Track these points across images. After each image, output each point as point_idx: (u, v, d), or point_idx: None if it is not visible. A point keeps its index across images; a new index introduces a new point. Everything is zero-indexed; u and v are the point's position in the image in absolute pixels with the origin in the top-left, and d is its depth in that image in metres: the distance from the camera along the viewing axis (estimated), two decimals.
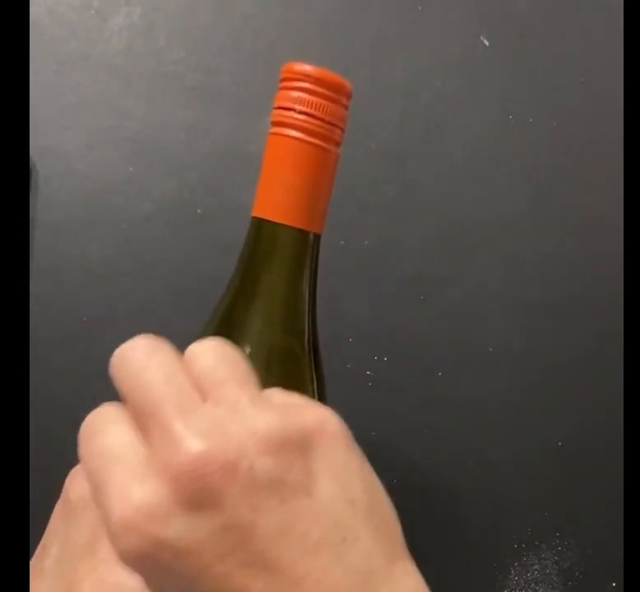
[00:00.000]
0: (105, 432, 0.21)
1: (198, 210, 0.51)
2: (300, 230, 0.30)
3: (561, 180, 0.55)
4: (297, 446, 0.21)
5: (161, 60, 0.50)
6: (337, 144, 0.30)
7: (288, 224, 0.30)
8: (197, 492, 0.20)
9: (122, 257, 0.50)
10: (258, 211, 0.30)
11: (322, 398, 0.34)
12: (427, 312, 0.54)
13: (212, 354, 0.23)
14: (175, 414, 0.21)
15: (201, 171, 0.51)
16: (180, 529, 0.20)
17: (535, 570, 0.58)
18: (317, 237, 0.32)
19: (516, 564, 0.58)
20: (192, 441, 0.20)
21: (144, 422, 0.21)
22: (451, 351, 0.55)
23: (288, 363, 0.32)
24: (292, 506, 0.21)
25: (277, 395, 0.23)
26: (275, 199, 0.30)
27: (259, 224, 0.31)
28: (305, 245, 0.31)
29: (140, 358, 0.22)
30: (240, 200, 0.51)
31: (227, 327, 0.31)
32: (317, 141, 0.29)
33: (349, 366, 0.53)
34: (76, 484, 0.26)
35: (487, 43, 0.52)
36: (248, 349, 0.30)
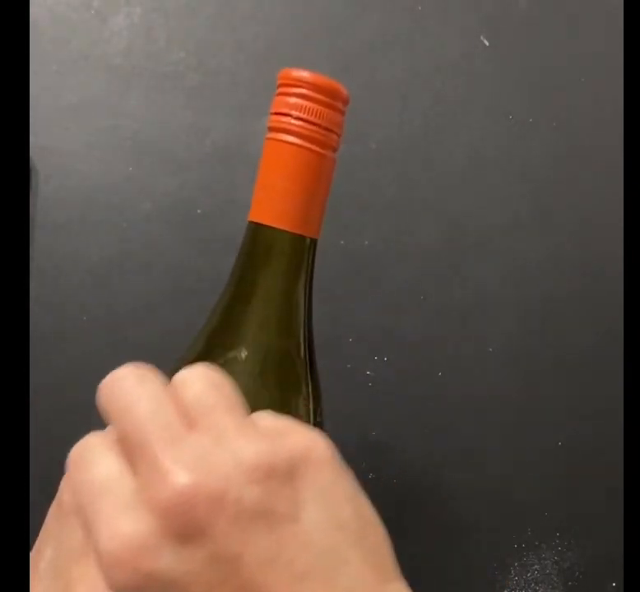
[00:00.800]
0: (93, 464, 0.21)
1: (198, 210, 0.51)
2: (297, 235, 0.30)
3: (561, 180, 0.55)
4: (284, 473, 0.21)
5: (161, 60, 0.50)
6: (334, 149, 0.30)
7: (284, 228, 0.30)
8: (185, 524, 0.20)
9: (122, 257, 0.50)
10: (255, 216, 0.30)
11: (316, 401, 0.34)
12: (427, 312, 0.54)
13: (199, 382, 0.23)
14: (162, 447, 0.21)
15: (201, 171, 0.51)
16: (169, 561, 0.20)
17: (535, 570, 0.58)
18: (314, 241, 0.32)
19: (516, 564, 0.58)
20: (178, 474, 0.20)
21: (131, 452, 0.21)
22: (451, 351, 0.55)
23: (284, 367, 0.32)
24: (279, 534, 0.21)
25: (265, 419, 0.23)
26: (272, 204, 0.30)
27: (255, 229, 0.31)
28: (302, 250, 0.31)
29: (127, 388, 0.22)
30: (240, 200, 0.51)
31: (223, 332, 0.31)
32: (313, 147, 0.29)
33: (349, 366, 0.53)
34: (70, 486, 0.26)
35: (487, 43, 0.52)
36: (243, 354, 0.30)
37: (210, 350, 0.31)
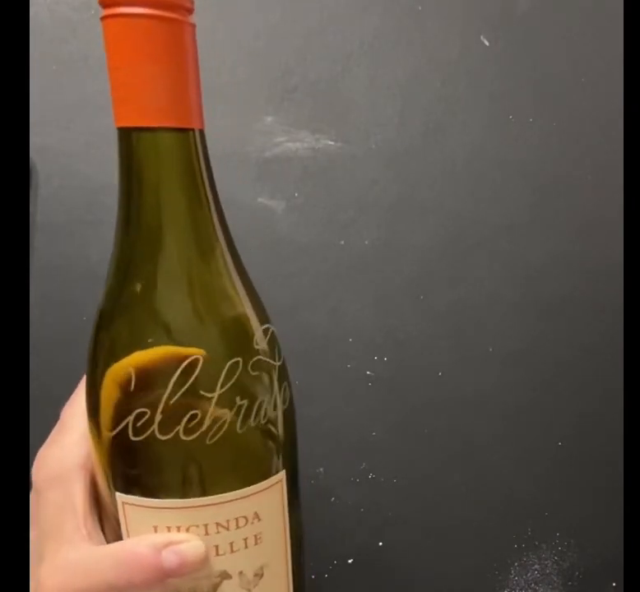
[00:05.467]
0: None
1: None
2: (181, 129, 0.26)
3: (561, 180, 0.55)
4: None
5: None
6: (189, 11, 0.25)
7: (164, 125, 0.25)
8: None
9: None
10: (123, 120, 0.25)
11: (255, 294, 0.30)
12: (427, 312, 0.54)
13: None
14: None
15: None
16: None
17: (535, 570, 0.58)
18: (201, 133, 0.27)
19: (516, 564, 0.58)
20: None
21: None
22: (451, 351, 0.55)
23: (215, 279, 0.28)
24: None
25: None
26: (138, 99, 0.24)
27: (129, 136, 0.25)
28: (191, 146, 0.27)
29: None
30: (240, 200, 0.51)
31: (137, 263, 0.27)
32: (164, 13, 0.23)
33: (349, 366, 0.53)
34: (40, 467, 0.26)
35: (487, 43, 0.52)
36: (167, 278, 0.27)
37: (124, 284, 0.28)
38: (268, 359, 0.29)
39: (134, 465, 0.27)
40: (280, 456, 0.30)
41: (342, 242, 0.52)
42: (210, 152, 0.53)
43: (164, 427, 0.26)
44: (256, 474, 0.29)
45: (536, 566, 0.58)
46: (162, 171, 0.26)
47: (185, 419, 0.26)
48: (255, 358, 0.28)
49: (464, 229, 0.54)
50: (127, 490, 0.27)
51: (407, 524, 0.55)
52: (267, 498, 0.29)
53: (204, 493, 0.27)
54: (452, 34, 0.52)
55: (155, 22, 0.23)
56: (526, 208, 0.55)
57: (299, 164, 0.51)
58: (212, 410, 0.26)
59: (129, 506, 0.27)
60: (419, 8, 0.51)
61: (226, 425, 0.27)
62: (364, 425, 0.54)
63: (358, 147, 0.51)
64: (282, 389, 0.30)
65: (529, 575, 0.58)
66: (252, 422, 0.28)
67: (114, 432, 0.27)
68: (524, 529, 0.58)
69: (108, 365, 0.27)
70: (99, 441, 0.28)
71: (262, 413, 0.28)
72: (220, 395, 0.26)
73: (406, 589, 0.56)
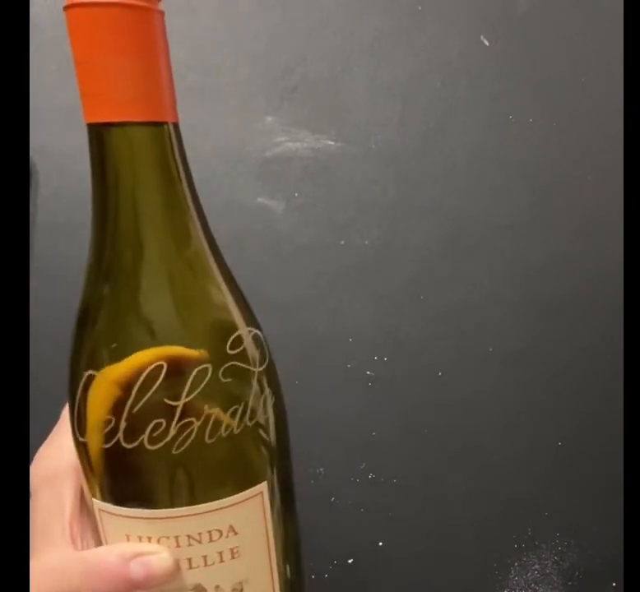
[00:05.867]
0: None
1: None
2: (154, 123, 0.24)
3: (561, 180, 0.55)
4: None
5: None
6: None
7: (135, 119, 0.23)
8: None
9: None
10: (93, 116, 0.23)
11: (237, 296, 0.29)
12: (427, 312, 0.54)
13: None
14: None
15: (201, 171, 0.51)
16: None
17: (535, 570, 0.58)
18: (176, 127, 0.26)
19: (516, 564, 0.58)
20: None
21: None
22: (451, 351, 0.55)
23: (190, 280, 0.27)
24: None
25: None
26: (107, 93, 0.23)
27: (100, 132, 0.24)
28: (165, 140, 0.25)
29: None
30: (240, 200, 0.51)
31: (115, 264, 0.25)
32: (131, 0, 0.22)
33: (349, 366, 0.53)
34: (37, 467, 0.26)
35: (487, 43, 0.52)
36: (145, 281, 0.25)
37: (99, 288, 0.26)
38: (245, 365, 0.27)
39: (105, 473, 0.26)
40: (262, 467, 0.28)
41: (342, 242, 0.52)
42: (210, 152, 0.53)
43: (129, 435, 0.25)
44: (229, 486, 0.27)
45: (536, 566, 0.58)
46: (136, 168, 0.24)
47: (149, 428, 0.25)
48: (228, 364, 0.26)
49: (464, 229, 0.54)
50: (102, 497, 0.27)
51: (407, 525, 0.55)
52: (244, 512, 0.27)
53: (172, 505, 0.26)
54: (452, 34, 0.52)
55: (121, 10, 0.22)
56: (526, 208, 0.55)
57: (299, 164, 0.51)
58: (178, 419, 0.25)
59: (104, 513, 0.27)
60: (419, 8, 0.51)
61: (194, 435, 0.25)
62: (364, 425, 0.54)
63: (358, 147, 0.51)
64: (264, 396, 0.28)
65: (529, 575, 0.58)
66: (223, 432, 0.26)
67: (84, 439, 0.26)
68: (524, 529, 0.58)
69: (79, 371, 0.27)
70: (77, 447, 0.27)
71: (236, 422, 0.26)
72: (186, 404, 0.25)
73: (406, 589, 0.56)
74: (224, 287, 0.28)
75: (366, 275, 0.53)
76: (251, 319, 0.29)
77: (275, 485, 0.29)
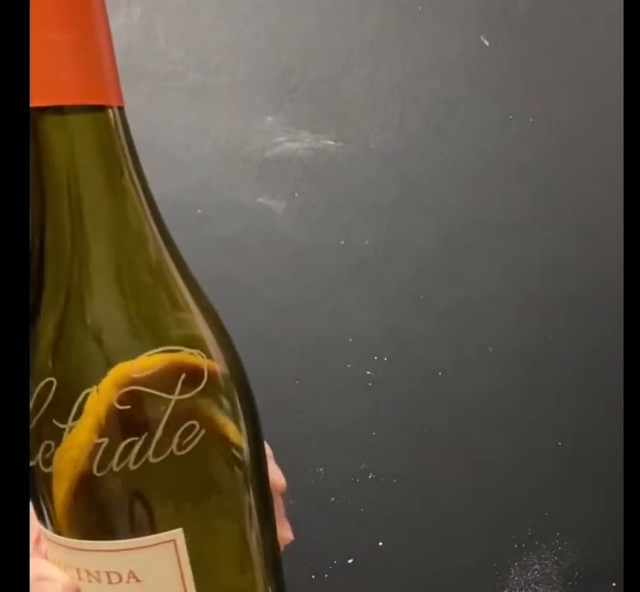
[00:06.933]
0: None
1: (198, 210, 0.51)
2: (95, 108, 0.22)
3: (561, 180, 0.55)
4: None
5: (161, 60, 0.50)
6: None
7: (74, 102, 0.21)
8: None
9: None
10: (36, 99, 0.21)
11: (202, 302, 0.25)
12: (427, 312, 0.54)
13: None
14: None
15: (201, 171, 0.51)
16: None
17: (535, 570, 0.58)
18: (121, 111, 0.23)
19: (516, 564, 0.58)
20: None
21: None
22: (451, 351, 0.55)
23: (149, 280, 0.24)
24: None
25: None
26: (41, 74, 0.20)
27: (36, 118, 0.21)
28: (110, 127, 0.22)
29: None
30: (240, 200, 0.51)
31: (67, 273, 0.23)
32: None
33: (349, 366, 0.53)
34: None
35: (487, 43, 0.52)
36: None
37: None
38: (154, 391, 0.22)
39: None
40: (176, 512, 0.24)
41: (342, 242, 0.52)
42: (210, 151, 0.53)
43: (32, 452, 0.23)
44: (127, 526, 0.23)
45: (536, 566, 0.58)
46: (76, 158, 0.22)
47: (42, 448, 0.22)
48: (128, 389, 0.22)
49: (464, 229, 0.54)
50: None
51: (407, 524, 0.55)
52: (148, 559, 0.23)
53: (69, 534, 0.23)
54: (452, 34, 0.52)
55: None
56: (526, 208, 0.55)
57: (299, 164, 0.51)
58: (64, 443, 0.22)
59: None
60: (419, 8, 0.51)
61: (80, 464, 0.22)
62: (364, 425, 0.54)
63: (358, 147, 0.51)
64: (181, 429, 0.23)
65: (529, 575, 0.58)
66: (115, 466, 0.22)
67: None
68: (524, 529, 0.58)
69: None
70: None
71: (133, 456, 0.22)
72: (72, 428, 0.22)
73: (406, 589, 0.56)
74: (175, 292, 0.24)
75: (366, 275, 0.53)
76: (193, 335, 0.24)
77: (201, 532, 0.24)
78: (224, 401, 0.25)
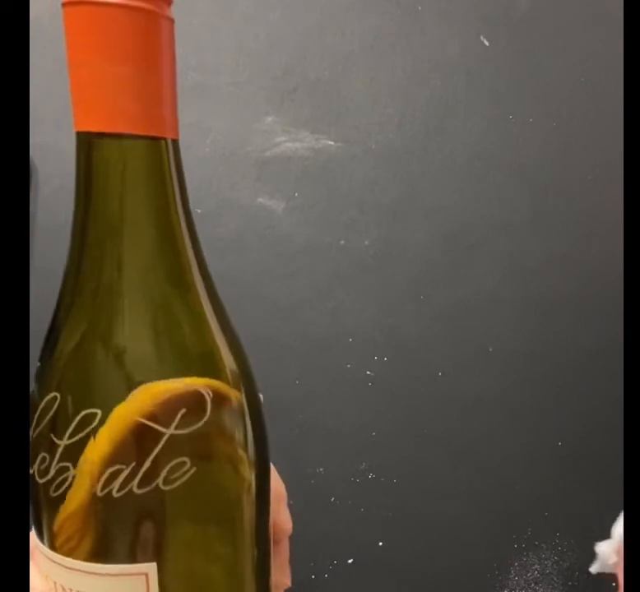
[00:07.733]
0: None
1: (198, 210, 0.51)
2: (151, 138, 0.22)
3: (561, 180, 0.55)
4: None
5: None
6: (168, 3, 0.21)
7: (132, 132, 0.21)
8: None
9: None
10: (85, 124, 0.21)
11: (226, 329, 0.25)
12: (427, 312, 0.54)
13: None
14: None
15: (201, 171, 0.51)
16: None
17: (535, 570, 0.58)
18: (175, 144, 0.23)
19: (516, 564, 0.58)
20: None
21: None
22: (451, 351, 0.55)
23: (180, 313, 0.24)
24: None
25: None
26: (103, 101, 0.21)
27: (91, 142, 0.22)
28: (162, 157, 0.23)
29: None
30: (240, 200, 0.51)
31: (100, 294, 0.23)
32: (137, 3, 0.20)
33: (349, 366, 0.53)
34: None
35: (487, 43, 0.52)
36: (129, 318, 0.23)
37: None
38: (149, 423, 0.22)
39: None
40: (152, 545, 0.23)
41: (342, 242, 0.52)
42: (210, 151, 0.53)
43: (31, 461, 0.23)
44: (102, 551, 0.23)
45: (536, 566, 0.58)
46: (127, 185, 0.22)
47: (38, 459, 0.22)
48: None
49: (464, 229, 0.54)
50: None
51: (407, 524, 0.55)
52: (119, 587, 0.23)
53: (51, 546, 0.23)
54: (452, 34, 0.52)
55: (126, 13, 0.20)
56: (526, 208, 0.55)
57: (299, 164, 0.51)
58: (57, 460, 0.22)
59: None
60: (419, 8, 0.51)
61: (68, 482, 0.22)
62: (364, 425, 0.54)
63: (358, 147, 0.51)
64: (170, 464, 0.22)
65: (529, 575, 0.58)
66: (99, 491, 0.22)
67: None
68: (524, 529, 0.58)
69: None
70: None
71: (117, 485, 0.22)
72: (66, 446, 0.22)
73: (406, 589, 0.56)
74: (206, 319, 0.24)
75: (366, 275, 0.53)
76: (211, 369, 0.24)
77: (178, 570, 0.23)
78: (226, 442, 0.24)
